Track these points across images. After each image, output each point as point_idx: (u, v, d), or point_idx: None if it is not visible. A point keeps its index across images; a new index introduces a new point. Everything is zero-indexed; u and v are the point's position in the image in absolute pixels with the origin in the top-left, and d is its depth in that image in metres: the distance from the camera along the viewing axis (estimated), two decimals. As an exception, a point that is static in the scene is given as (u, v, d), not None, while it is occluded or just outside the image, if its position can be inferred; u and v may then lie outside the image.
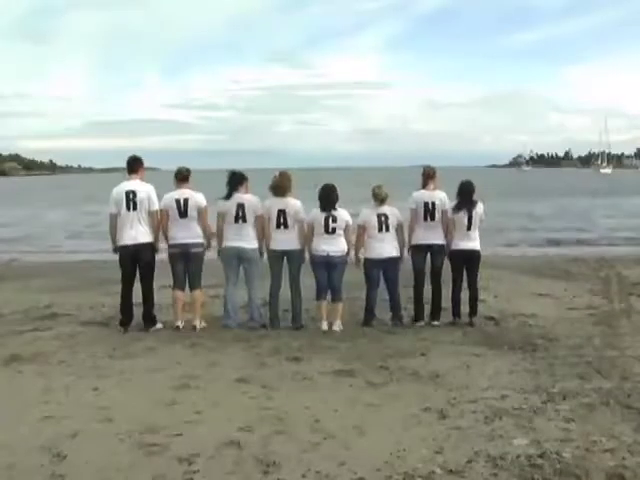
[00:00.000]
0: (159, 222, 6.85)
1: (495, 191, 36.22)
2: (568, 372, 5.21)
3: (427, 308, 7.20)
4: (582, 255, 12.98)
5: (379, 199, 7.04)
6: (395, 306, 7.15)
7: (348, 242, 6.98)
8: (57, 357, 5.88)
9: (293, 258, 6.97)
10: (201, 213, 6.87)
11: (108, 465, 3.65)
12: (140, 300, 6.94)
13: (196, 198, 6.87)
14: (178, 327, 6.86)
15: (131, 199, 6.76)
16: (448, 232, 7.03)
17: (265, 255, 7.09)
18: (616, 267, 10.92)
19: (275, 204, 6.93)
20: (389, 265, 7.02)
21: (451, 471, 3.50)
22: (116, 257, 6.99)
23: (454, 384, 4.97)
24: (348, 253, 7.01)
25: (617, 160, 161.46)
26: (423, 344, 6.19)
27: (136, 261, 6.84)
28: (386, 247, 6.99)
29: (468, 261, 7.03)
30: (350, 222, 6.97)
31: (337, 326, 6.90)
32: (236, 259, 6.95)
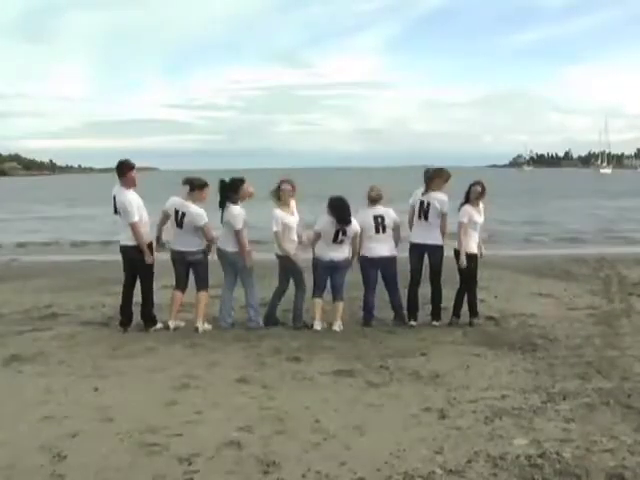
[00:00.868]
0: (137, 230, 6.75)
1: (502, 192, 36.24)
2: (568, 372, 5.21)
3: (428, 308, 7.20)
4: (582, 255, 12.97)
5: (373, 200, 7.05)
6: (396, 306, 7.16)
7: (353, 248, 7.04)
8: (57, 357, 5.88)
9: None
10: (198, 230, 6.86)
11: (108, 465, 3.65)
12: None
13: (194, 217, 6.80)
14: (168, 327, 6.87)
15: (114, 205, 6.89)
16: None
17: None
18: (616, 267, 10.92)
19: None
20: (386, 265, 7.03)
21: (451, 471, 3.50)
22: (117, 257, 7.09)
23: (454, 384, 4.97)
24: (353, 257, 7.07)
25: (617, 160, 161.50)
26: (423, 344, 6.19)
27: (129, 262, 6.91)
28: (383, 247, 7.01)
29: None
30: (358, 231, 6.97)
31: (337, 326, 6.90)
32: (223, 261, 7.03)
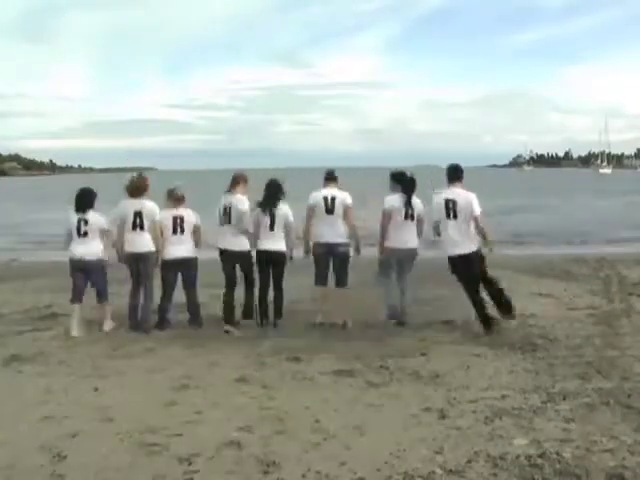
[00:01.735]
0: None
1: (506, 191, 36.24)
2: (568, 372, 5.21)
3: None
4: (582, 255, 12.96)
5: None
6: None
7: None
8: (57, 357, 5.88)
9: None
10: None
11: (108, 465, 3.65)
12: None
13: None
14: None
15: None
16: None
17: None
18: (616, 267, 10.91)
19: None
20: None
21: (451, 471, 3.50)
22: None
23: (454, 384, 4.97)
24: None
25: (617, 160, 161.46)
26: (423, 344, 6.19)
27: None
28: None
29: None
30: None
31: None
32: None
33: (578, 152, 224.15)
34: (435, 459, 3.64)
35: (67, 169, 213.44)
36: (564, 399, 4.57)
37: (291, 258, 7.05)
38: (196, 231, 7.11)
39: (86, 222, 6.87)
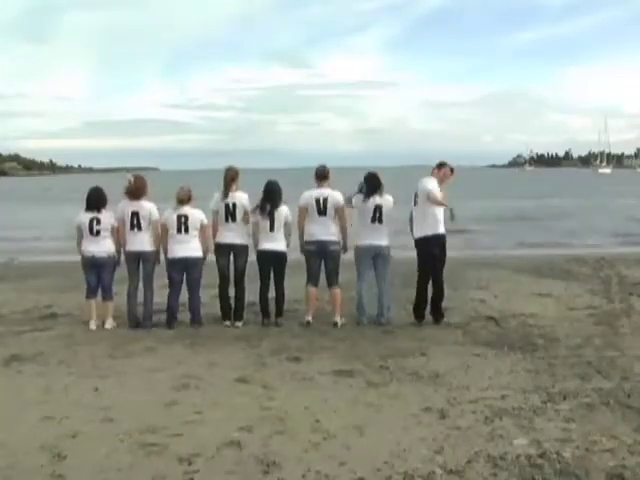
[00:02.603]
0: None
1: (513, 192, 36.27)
2: (568, 372, 5.21)
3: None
4: (582, 255, 12.97)
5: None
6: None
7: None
8: (57, 357, 5.88)
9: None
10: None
11: (108, 465, 3.65)
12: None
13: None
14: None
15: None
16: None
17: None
18: (616, 267, 10.91)
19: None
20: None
21: (451, 471, 3.50)
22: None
23: (454, 384, 4.96)
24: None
25: (617, 160, 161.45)
26: (423, 344, 6.18)
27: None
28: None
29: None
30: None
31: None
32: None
33: (578, 152, 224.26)
34: (435, 459, 3.64)
35: (67, 169, 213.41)
36: (564, 399, 4.57)
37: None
38: (203, 230, 7.12)
39: (98, 221, 6.99)
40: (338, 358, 5.72)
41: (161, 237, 7.09)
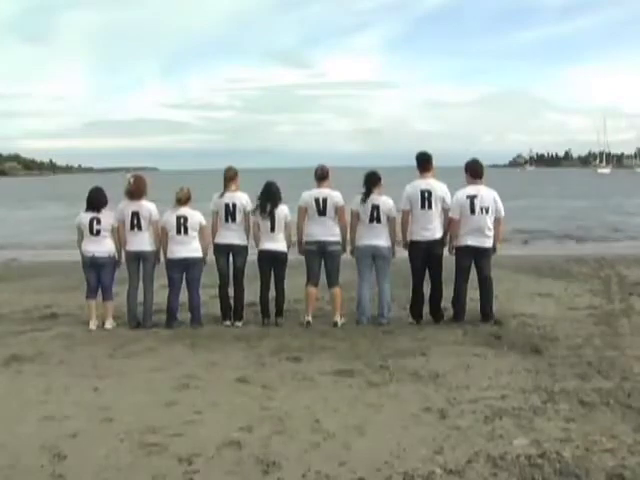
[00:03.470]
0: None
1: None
2: (568, 372, 5.21)
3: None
4: (582, 255, 12.97)
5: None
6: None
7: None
8: (57, 357, 5.88)
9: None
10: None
11: (108, 465, 3.65)
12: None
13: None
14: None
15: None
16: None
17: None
18: (616, 267, 10.91)
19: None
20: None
21: (451, 471, 3.50)
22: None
23: (454, 384, 4.96)
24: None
25: (617, 160, 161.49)
26: (423, 344, 6.18)
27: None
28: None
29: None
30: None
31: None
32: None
33: (578, 152, 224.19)
34: (435, 459, 3.64)
35: (67, 169, 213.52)
36: (564, 399, 4.57)
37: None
38: (202, 231, 7.12)
39: (99, 221, 7.01)
40: (338, 358, 5.72)
41: (161, 238, 7.09)
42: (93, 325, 7.01)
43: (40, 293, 9.23)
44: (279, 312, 7.10)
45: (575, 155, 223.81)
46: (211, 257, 7.25)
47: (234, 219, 7.03)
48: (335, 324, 6.98)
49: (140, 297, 7.15)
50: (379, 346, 6.14)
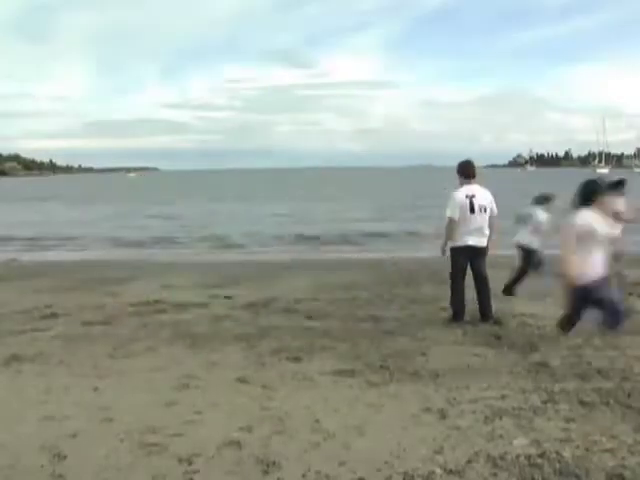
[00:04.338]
0: None
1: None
2: (568, 372, 5.20)
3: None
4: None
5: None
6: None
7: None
8: (57, 357, 5.88)
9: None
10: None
11: (108, 465, 3.65)
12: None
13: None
14: None
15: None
16: None
17: None
18: (616, 267, 10.89)
19: None
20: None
21: (451, 471, 3.50)
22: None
23: (454, 384, 4.96)
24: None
25: (617, 160, 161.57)
26: (423, 344, 6.19)
27: None
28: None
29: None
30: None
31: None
32: None
33: (578, 152, 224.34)
34: (435, 459, 3.64)
35: (67, 169, 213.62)
36: (564, 399, 4.57)
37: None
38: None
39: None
40: (338, 358, 5.72)
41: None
42: None
43: (40, 293, 9.24)
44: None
45: (575, 155, 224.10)
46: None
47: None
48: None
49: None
50: (379, 346, 6.14)
